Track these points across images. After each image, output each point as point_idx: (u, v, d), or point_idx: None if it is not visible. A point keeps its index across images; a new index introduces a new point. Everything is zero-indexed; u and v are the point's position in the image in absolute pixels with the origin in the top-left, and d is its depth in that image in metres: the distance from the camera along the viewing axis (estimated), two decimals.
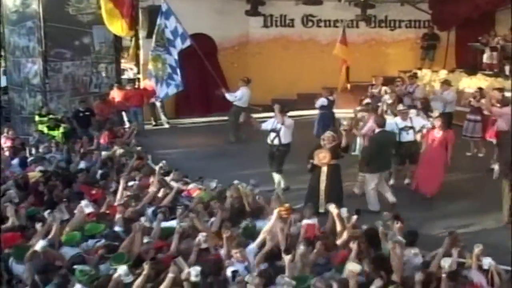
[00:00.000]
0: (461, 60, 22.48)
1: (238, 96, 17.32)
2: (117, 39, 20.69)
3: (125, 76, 22.20)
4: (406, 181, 13.38)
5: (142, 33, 20.15)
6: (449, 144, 12.38)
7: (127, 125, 18.55)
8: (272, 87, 21.31)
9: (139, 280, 7.28)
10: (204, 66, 17.73)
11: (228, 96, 17.29)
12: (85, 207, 9.78)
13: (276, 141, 13.03)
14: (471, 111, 15.82)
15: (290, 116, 13.36)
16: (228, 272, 7.64)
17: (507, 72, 19.74)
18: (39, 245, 8.13)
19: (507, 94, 15.56)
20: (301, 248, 8.05)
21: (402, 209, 10.54)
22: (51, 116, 17.95)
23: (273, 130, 13.02)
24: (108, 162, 13.50)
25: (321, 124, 16.38)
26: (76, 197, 10.97)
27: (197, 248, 8.39)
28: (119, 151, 14.27)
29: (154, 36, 16.40)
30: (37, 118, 18.08)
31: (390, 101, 15.11)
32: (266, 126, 13.23)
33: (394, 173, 13.35)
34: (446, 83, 17.37)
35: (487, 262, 8.00)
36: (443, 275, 7.30)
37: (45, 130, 17.27)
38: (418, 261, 8.26)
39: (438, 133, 12.47)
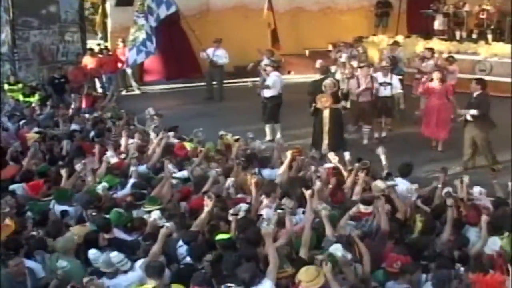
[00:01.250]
0: (413, 27, 23.61)
1: (225, 54, 18.75)
2: (82, 7, 20.92)
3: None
4: (383, 134, 14.51)
5: (110, 1, 20.37)
6: (449, 96, 13.51)
7: (99, 91, 18.91)
8: (233, 54, 21.63)
9: (202, 216, 8.03)
10: (171, 33, 18.29)
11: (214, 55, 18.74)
12: (111, 157, 10.34)
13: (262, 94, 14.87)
14: (419, 71, 16.85)
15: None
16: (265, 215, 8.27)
17: (458, 37, 21.11)
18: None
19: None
20: (317, 183, 8.95)
21: (389, 157, 11.46)
22: (20, 84, 18.13)
23: None
24: (99, 124, 13.94)
25: None
26: (79, 154, 11.47)
27: (227, 192, 9.12)
28: (107, 113, 14.74)
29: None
30: (6, 86, 18.20)
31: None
32: None
33: (374, 126, 14.40)
34: (395, 43, 18.48)
35: (477, 190, 9.17)
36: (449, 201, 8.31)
37: (21, 97, 17.44)
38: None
39: (438, 85, 13.53)
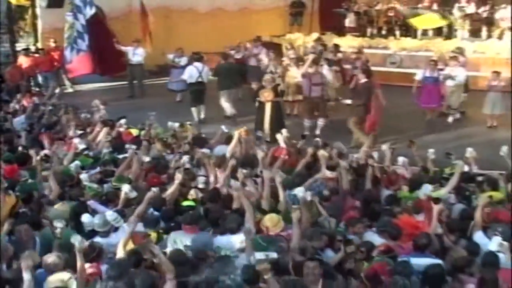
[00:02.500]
0: (325, 24, 25.31)
1: (143, 53, 19.85)
2: (10, 9, 21.39)
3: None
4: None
5: (41, 3, 20.96)
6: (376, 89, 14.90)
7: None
8: (155, 53, 22.56)
9: (173, 188, 9.18)
10: (97, 31, 19.28)
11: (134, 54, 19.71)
12: (79, 144, 11.31)
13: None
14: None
15: None
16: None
17: (369, 34, 22.99)
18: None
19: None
20: (260, 153, 10.70)
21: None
22: None
23: None
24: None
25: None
26: (36, 144, 12.27)
27: (183, 168, 10.23)
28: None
29: None
30: None
31: (293, 56, 17.47)
32: None
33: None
34: (319, 40, 20.21)
35: (401, 159, 11.17)
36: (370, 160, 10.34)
37: None
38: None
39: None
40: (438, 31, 22.54)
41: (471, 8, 22.78)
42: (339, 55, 18.87)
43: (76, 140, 11.62)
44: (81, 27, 18.41)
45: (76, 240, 6.69)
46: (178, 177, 9.24)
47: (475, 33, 22.43)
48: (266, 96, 14.45)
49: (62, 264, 6.85)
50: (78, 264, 6.61)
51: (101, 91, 20.68)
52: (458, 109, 16.89)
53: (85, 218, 8.17)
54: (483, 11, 22.89)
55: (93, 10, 18.81)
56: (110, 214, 7.96)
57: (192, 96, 17.28)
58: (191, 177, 9.84)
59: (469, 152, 11.07)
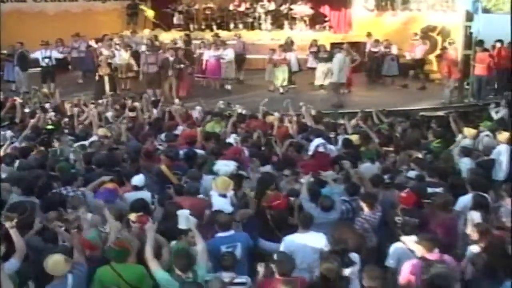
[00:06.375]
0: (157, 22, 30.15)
1: None
2: None
3: None
4: None
5: None
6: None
7: None
8: None
9: (36, 119, 13.99)
10: None
11: None
12: None
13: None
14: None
15: None
16: None
17: (192, 29, 28.35)
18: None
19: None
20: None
21: None
22: None
23: None
24: None
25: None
26: None
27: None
28: None
29: None
30: None
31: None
32: None
33: None
34: (150, 32, 25.61)
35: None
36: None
37: None
38: None
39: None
40: (246, 24, 28.49)
41: (272, 6, 28.62)
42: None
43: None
44: None
45: None
46: (39, 112, 14.43)
47: (280, 25, 28.69)
48: (104, 71, 20.06)
49: None
50: None
51: None
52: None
53: None
54: (284, 8, 28.80)
55: None
56: (9, 133, 12.81)
57: (43, 75, 22.29)
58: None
59: (263, 103, 16.76)
